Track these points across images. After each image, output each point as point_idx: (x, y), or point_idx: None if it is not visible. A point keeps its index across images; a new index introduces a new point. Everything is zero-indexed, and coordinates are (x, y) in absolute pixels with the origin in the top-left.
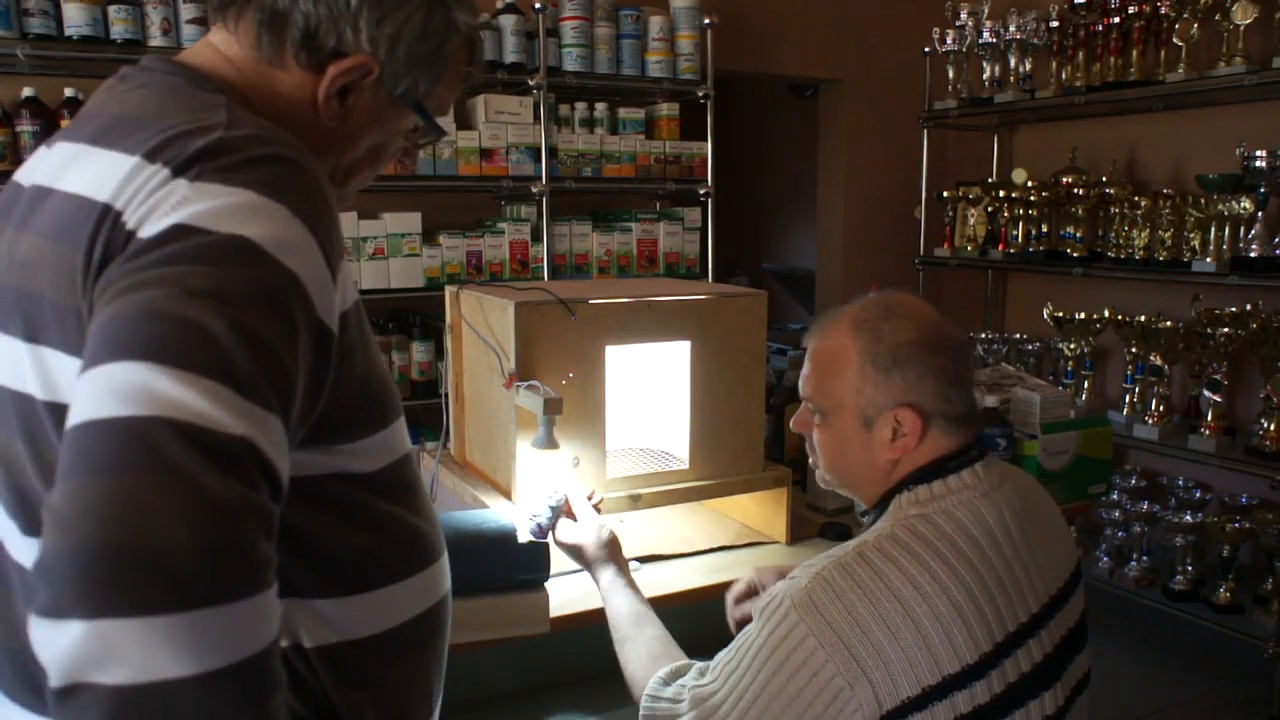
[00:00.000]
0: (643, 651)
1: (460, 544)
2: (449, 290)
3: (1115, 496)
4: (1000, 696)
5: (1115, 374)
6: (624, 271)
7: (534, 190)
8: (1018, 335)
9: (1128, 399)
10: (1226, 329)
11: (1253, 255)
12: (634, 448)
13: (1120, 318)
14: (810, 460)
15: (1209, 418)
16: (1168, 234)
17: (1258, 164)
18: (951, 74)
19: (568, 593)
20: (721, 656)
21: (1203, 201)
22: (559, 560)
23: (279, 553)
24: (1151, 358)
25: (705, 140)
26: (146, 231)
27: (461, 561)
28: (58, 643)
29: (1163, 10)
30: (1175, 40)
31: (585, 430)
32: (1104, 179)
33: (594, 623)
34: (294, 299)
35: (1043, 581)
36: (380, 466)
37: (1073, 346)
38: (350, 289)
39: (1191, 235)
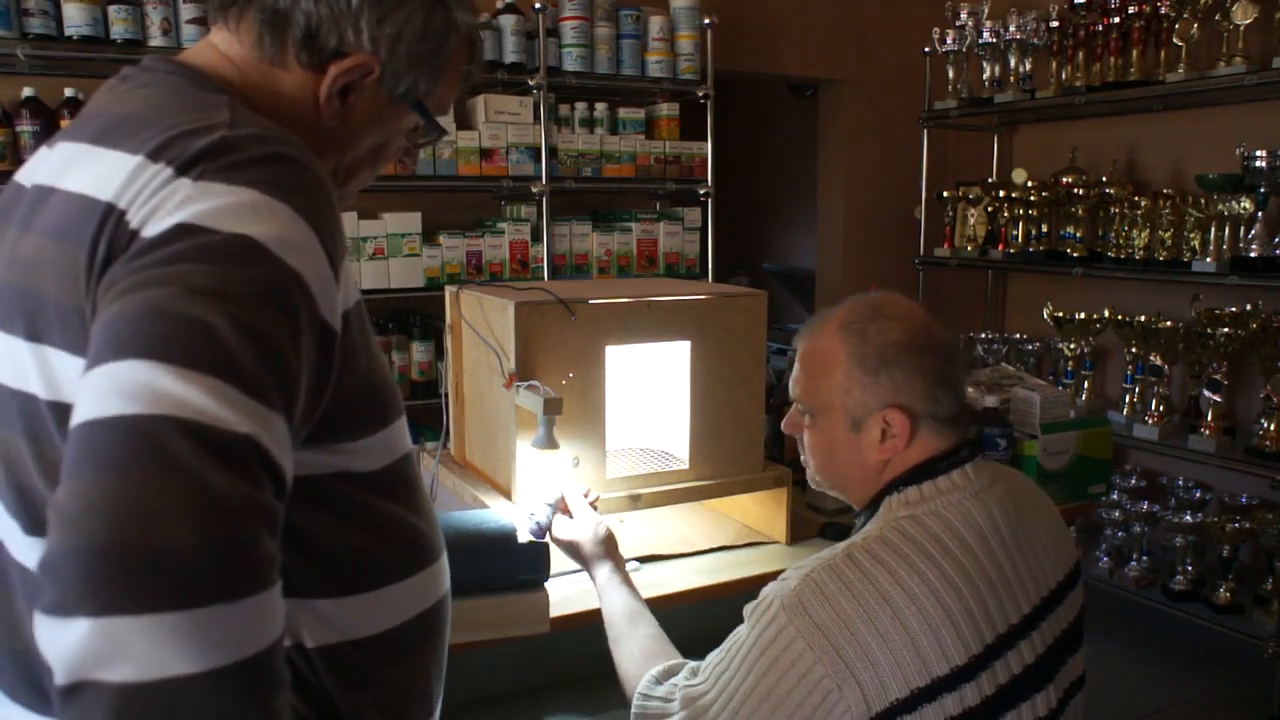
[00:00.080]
0: (636, 649)
1: (460, 544)
2: (449, 290)
3: (1115, 496)
4: (991, 699)
5: (1115, 374)
6: (624, 271)
7: (534, 190)
8: (1018, 335)
9: (1128, 399)
10: (1226, 329)
11: (1253, 255)
12: (634, 448)
13: (1120, 318)
14: (802, 461)
15: (1209, 418)
16: (1168, 234)
17: (1258, 164)
18: (951, 74)
19: (567, 593)
20: (712, 657)
21: (1203, 201)
22: (559, 560)
23: (281, 552)
24: (1151, 358)
25: (705, 140)
26: (150, 231)
27: (461, 561)
28: (63, 640)
29: (1163, 10)
30: (1175, 40)
31: (585, 430)
32: (1104, 179)
33: (594, 623)
34: (297, 298)
35: (1035, 582)
36: (381, 466)
37: (1073, 346)
38: (352, 288)
39: (1191, 235)
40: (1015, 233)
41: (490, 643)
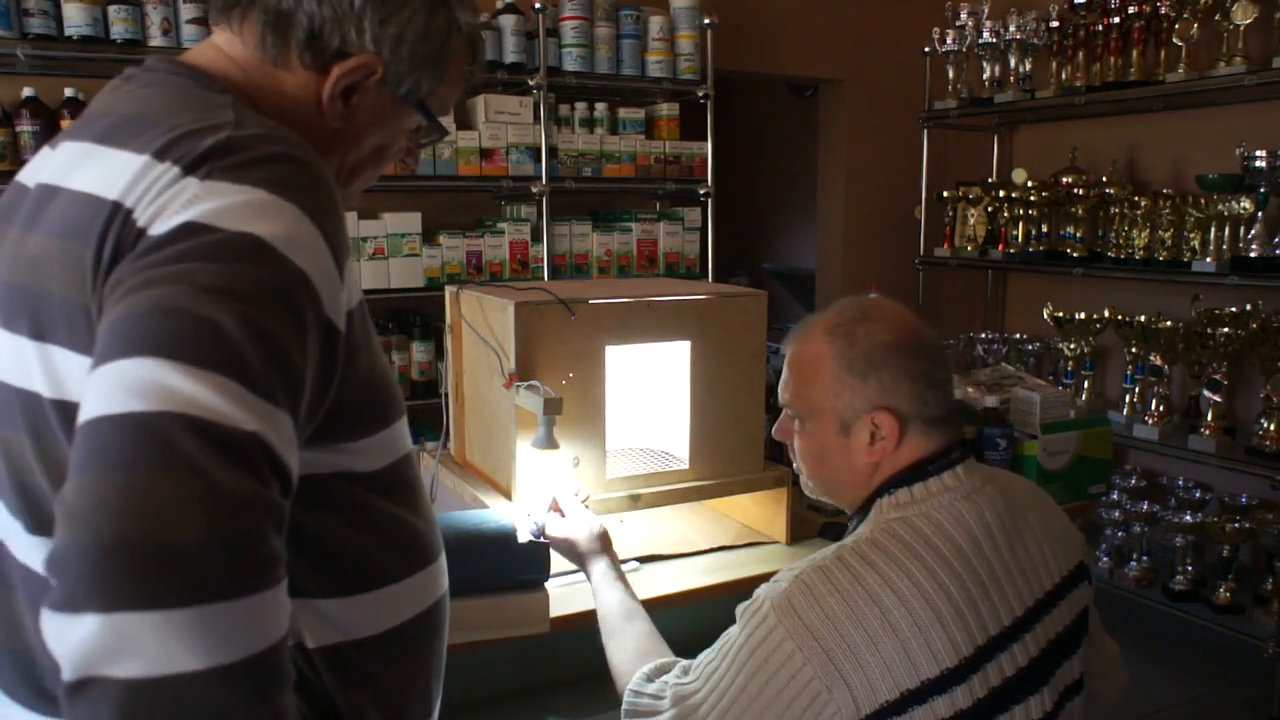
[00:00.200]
0: (630, 646)
1: (460, 544)
2: (449, 290)
3: (1115, 496)
4: (982, 701)
5: (1115, 374)
6: (624, 271)
7: (534, 190)
8: (1018, 335)
9: (1128, 399)
10: (1226, 329)
11: (1253, 255)
12: (634, 448)
13: (1120, 318)
14: (795, 469)
15: (1209, 418)
16: (1168, 234)
17: (1258, 164)
18: (951, 74)
19: (567, 593)
20: (704, 656)
21: (1203, 201)
22: (558, 560)
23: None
24: (1151, 358)
25: (705, 140)
26: (157, 229)
27: (461, 561)
28: (71, 636)
29: (1163, 10)
30: (1175, 40)
31: (585, 430)
32: (1104, 179)
33: (593, 623)
34: (303, 297)
35: (1029, 584)
36: (382, 466)
37: (1073, 346)
38: (355, 288)
39: (1191, 235)
40: (1015, 233)
41: (490, 643)
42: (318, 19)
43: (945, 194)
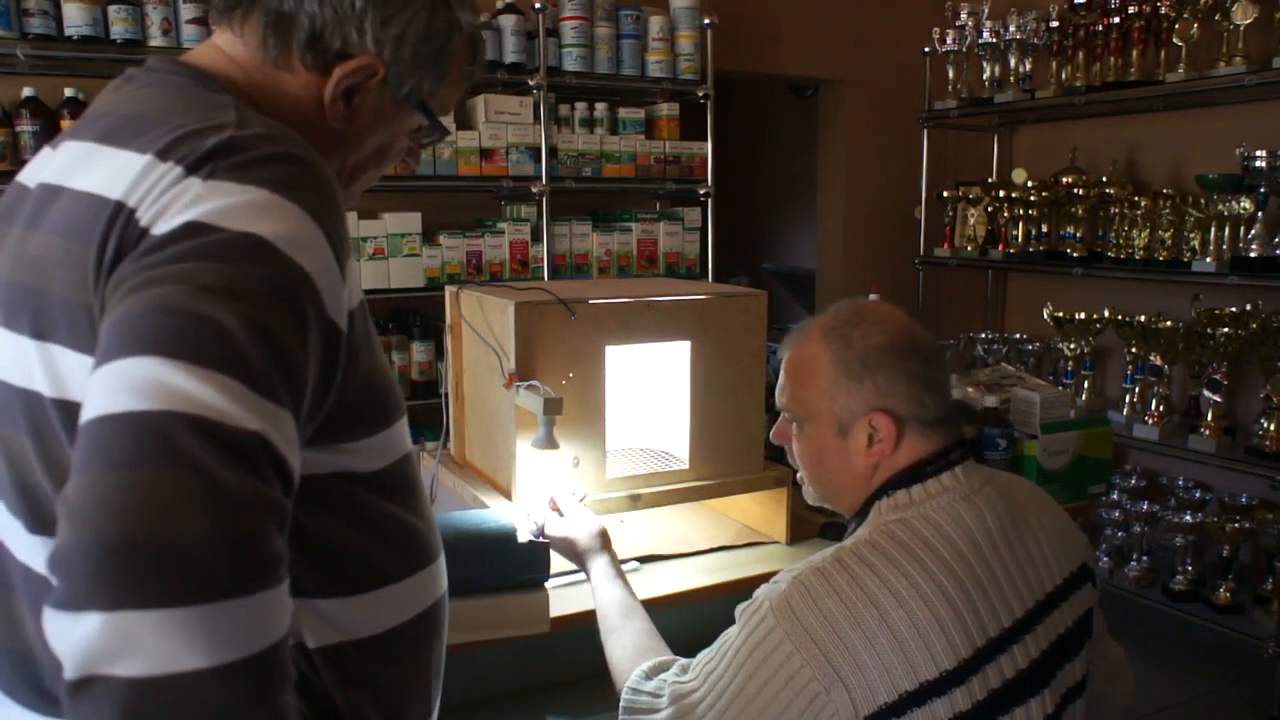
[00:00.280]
0: (629, 643)
1: (460, 544)
2: (449, 290)
3: (1115, 496)
4: (982, 703)
5: (1115, 374)
6: (624, 271)
7: (534, 190)
8: (1018, 335)
9: (1128, 399)
10: (1226, 329)
11: (1253, 255)
12: (634, 448)
13: (1120, 318)
14: (797, 475)
15: (1209, 418)
16: (1168, 234)
17: (1258, 164)
18: (951, 74)
19: (567, 593)
20: (703, 655)
21: (1203, 201)
22: (558, 560)
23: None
24: (1151, 358)
25: (705, 140)
26: (160, 228)
27: (461, 561)
28: (74, 635)
29: (1163, 10)
30: (1175, 40)
31: (585, 430)
32: (1104, 179)
33: (593, 623)
34: (305, 296)
35: (1029, 586)
36: (382, 466)
37: (1073, 346)
38: (356, 288)
39: (1191, 235)
40: (1015, 233)
41: (490, 643)
42: (319, 20)
43: (945, 194)
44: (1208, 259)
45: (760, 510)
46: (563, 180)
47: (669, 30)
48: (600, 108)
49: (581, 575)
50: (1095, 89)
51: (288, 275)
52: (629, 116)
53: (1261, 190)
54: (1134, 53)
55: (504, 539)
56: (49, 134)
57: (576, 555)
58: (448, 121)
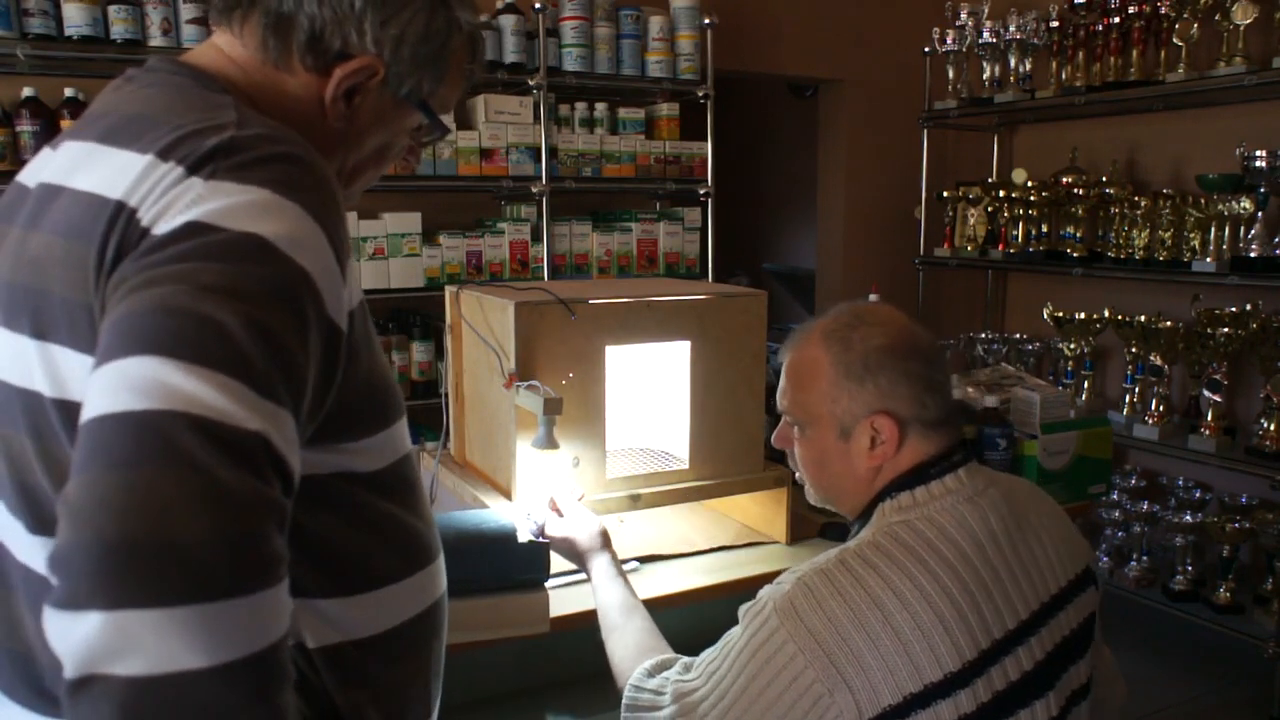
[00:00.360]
0: (630, 641)
1: (460, 544)
2: (449, 290)
3: (1115, 496)
4: (987, 705)
5: (1115, 374)
6: (624, 271)
7: (534, 190)
8: (1018, 335)
9: (1128, 399)
10: (1226, 329)
11: (1253, 255)
12: (634, 448)
13: (1120, 318)
14: (796, 476)
15: (1209, 418)
16: (1168, 234)
17: (1258, 164)
18: (951, 74)
19: (567, 593)
20: (706, 654)
21: (1203, 201)
22: (558, 560)
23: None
24: (1151, 358)
25: (705, 140)
26: (161, 228)
27: (461, 561)
28: (74, 634)
29: (1163, 10)
30: (1175, 40)
31: (585, 430)
32: (1104, 179)
33: (594, 623)
34: (306, 296)
35: (1034, 588)
36: (382, 466)
37: (1073, 346)
38: (357, 288)
39: (1191, 235)
40: (1015, 233)
41: (490, 643)
42: (319, 21)
43: (945, 194)
44: (1208, 259)
45: (760, 510)
46: (563, 180)
47: (669, 30)
48: (600, 108)
49: (581, 575)
50: (1095, 89)
51: (288, 275)
52: (629, 116)
53: (1261, 190)
54: (1134, 53)
55: (504, 539)
56: (49, 134)
57: (577, 555)
58: (448, 120)
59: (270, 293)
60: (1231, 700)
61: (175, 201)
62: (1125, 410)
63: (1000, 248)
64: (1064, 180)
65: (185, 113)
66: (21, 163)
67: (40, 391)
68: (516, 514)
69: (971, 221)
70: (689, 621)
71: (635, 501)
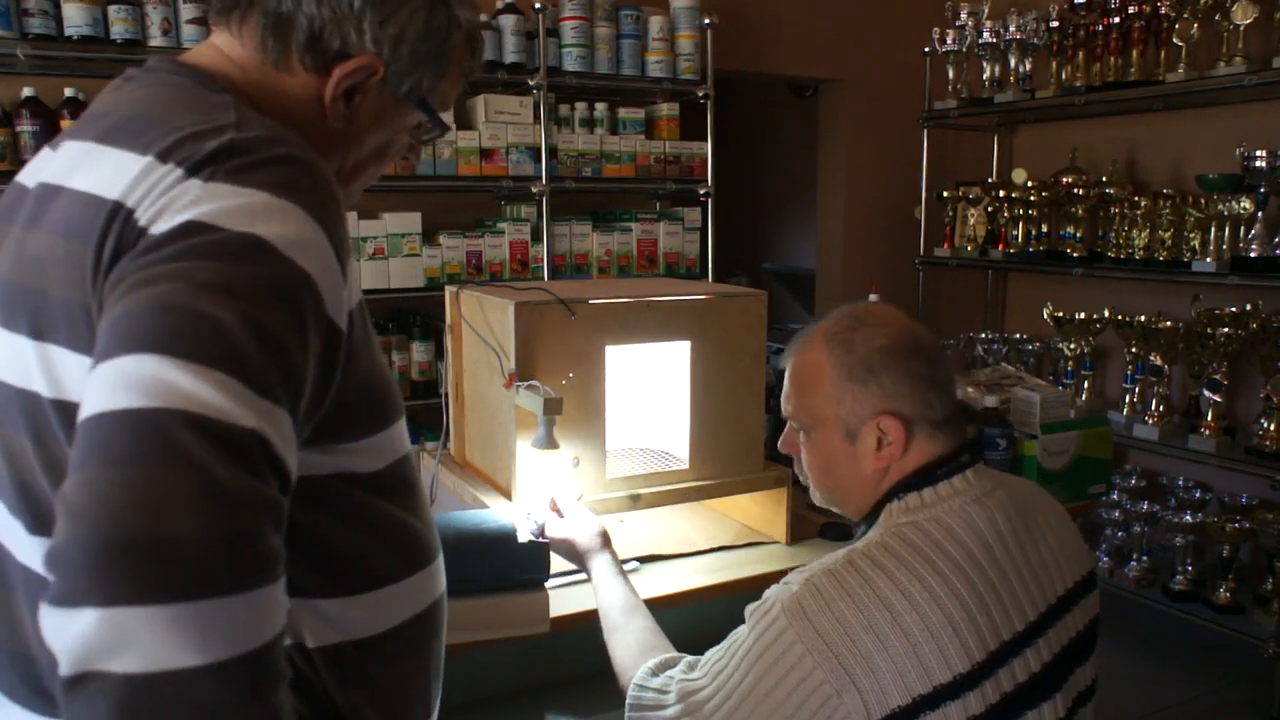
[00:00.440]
0: (632, 641)
1: (460, 544)
2: (449, 290)
3: (1115, 496)
4: (995, 706)
5: (1115, 374)
6: (624, 271)
7: (534, 190)
8: (1018, 335)
9: (1128, 399)
10: (1226, 329)
11: (1253, 255)
12: (634, 448)
13: (1120, 318)
14: (802, 480)
15: (1209, 418)
16: (1168, 234)
17: (1258, 164)
18: (951, 74)
19: (567, 593)
20: (712, 654)
21: (1203, 201)
22: (558, 560)
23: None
24: (1151, 358)
25: (705, 140)
26: (159, 228)
27: (461, 561)
28: (70, 631)
29: (1163, 10)
30: (1175, 40)
31: (585, 430)
32: (1104, 179)
33: (594, 623)
34: (305, 297)
35: (1041, 589)
36: (381, 466)
37: (1073, 346)
38: (356, 288)
39: (1191, 235)
40: (1015, 233)
41: (490, 643)
42: (318, 21)
43: (945, 194)
44: (1208, 259)
45: (760, 510)
46: (563, 180)
47: (669, 30)
48: (600, 108)
49: (582, 575)
50: (1095, 89)
51: (287, 275)
52: (629, 116)
53: (1261, 190)
54: (1134, 53)
55: (504, 539)
56: (49, 134)
57: (577, 555)
58: (447, 118)
59: (268, 292)
60: (1231, 700)
61: (174, 202)
62: (1125, 410)
63: (1000, 248)
64: (1064, 180)
65: (185, 113)
66: (21, 163)
67: (39, 392)
68: (516, 514)
69: (971, 221)
70: (689, 621)
71: (635, 501)
